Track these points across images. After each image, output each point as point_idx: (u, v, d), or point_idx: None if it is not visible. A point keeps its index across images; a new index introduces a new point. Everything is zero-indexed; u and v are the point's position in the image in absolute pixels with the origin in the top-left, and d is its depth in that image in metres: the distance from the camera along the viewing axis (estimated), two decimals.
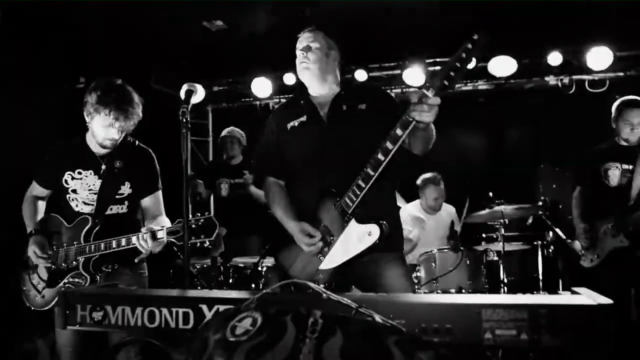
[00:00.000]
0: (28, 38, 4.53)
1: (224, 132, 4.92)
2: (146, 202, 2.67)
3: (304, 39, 2.42)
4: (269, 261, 4.11)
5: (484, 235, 4.63)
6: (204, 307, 1.38)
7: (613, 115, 3.67)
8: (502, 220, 4.04)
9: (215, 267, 3.88)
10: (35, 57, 4.55)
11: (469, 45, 1.84)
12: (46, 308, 2.53)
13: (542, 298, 1.26)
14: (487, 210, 4.15)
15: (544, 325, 1.17)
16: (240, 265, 4.05)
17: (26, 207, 2.69)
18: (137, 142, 2.71)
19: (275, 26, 4.92)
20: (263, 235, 4.44)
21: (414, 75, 5.39)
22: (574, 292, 1.32)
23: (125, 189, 2.62)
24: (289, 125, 2.43)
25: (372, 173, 2.09)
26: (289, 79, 5.70)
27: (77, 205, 2.58)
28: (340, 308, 1.24)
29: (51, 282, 2.54)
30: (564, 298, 1.26)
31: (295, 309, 1.15)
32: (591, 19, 4.64)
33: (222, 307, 1.37)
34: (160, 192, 2.71)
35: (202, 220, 2.24)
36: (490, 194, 4.23)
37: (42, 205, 2.73)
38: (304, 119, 2.41)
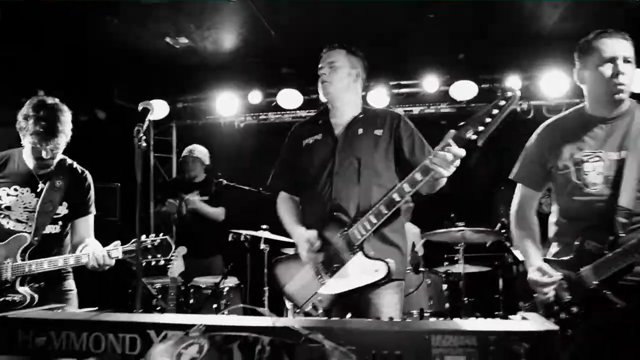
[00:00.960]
0: None
1: (185, 151, 4.82)
2: (78, 223, 2.63)
3: (325, 57, 2.41)
4: (230, 281, 4.06)
5: (445, 256, 4.68)
6: (152, 333, 1.34)
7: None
8: (462, 242, 4.09)
9: (175, 287, 3.79)
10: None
11: (502, 103, 1.85)
12: None
13: (491, 324, 1.27)
14: (446, 230, 4.20)
15: (493, 352, 1.17)
16: (201, 285, 3.97)
17: None
18: (74, 164, 2.69)
19: (240, 44, 4.94)
20: (225, 255, 4.37)
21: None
22: (524, 318, 1.34)
23: (62, 210, 2.57)
24: (304, 142, 2.43)
25: (385, 211, 2.10)
26: (254, 97, 5.70)
27: (8, 223, 2.49)
28: (289, 334, 1.22)
29: None
30: (512, 324, 1.27)
31: (242, 336, 1.13)
32: (550, 46, 4.82)
33: (170, 333, 1.33)
34: (92, 216, 2.68)
35: (157, 240, 2.27)
36: (452, 215, 4.29)
37: None
38: (318, 137, 2.41)
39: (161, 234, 2.30)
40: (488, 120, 1.86)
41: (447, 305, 3.83)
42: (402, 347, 1.20)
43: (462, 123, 1.92)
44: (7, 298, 2.39)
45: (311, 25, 4.40)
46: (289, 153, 2.51)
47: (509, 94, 1.84)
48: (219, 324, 1.30)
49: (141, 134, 1.94)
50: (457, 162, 1.95)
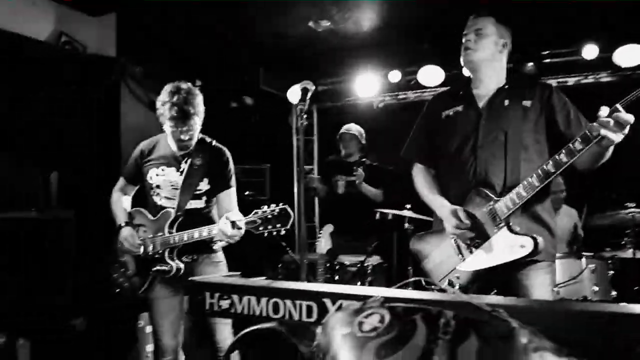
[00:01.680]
0: (145, 43, 4.92)
1: (342, 129, 4.79)
2: (220, 198, 2.77)
3: (472, 24, 2.30)
4: (374, 260, 4.10)
5: (609, 241, 4.24)
6: (328, 301, 1.39)
7: None
8: (632, 226, 3.68)
9: (322, 263, 3.93)
10: (150, 60, 4.92)
11: None
12: (137, 294, 2.73)
13: None
14: (611, 214, 3.81)
15: None
16: (346, 263, 4.07)
17: (114, 202, 2.88)
18: (213, 142, 2.84)
19: (380, 25, 4.90)
20: (370, 234, 4.39)
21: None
22: None
23: (204, 185, 2.74)
24: (444, 114, 2.35)
25: (537, 184, 1.97)
26: (393, 76, 5.63)
27: (160, 200, 2.74)
28: (471, 310, 1.18)
29: (140, 270, 2.73)
30: None
31: (424, 309, 1.12)
32: None
33: (345, 302, 1.36)
34: (233, 189, 2.80)
35: (277, 210, 2.29)
36: (614, 195, 3.89)
37: (128, 200, 2.92)
38: (459, 108, 2.31)
39: (281, 204, 2.32)
40: None
41: (613, 293, 3.48)
42: (600, 332, 1.10)
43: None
44: (158, 267, 2.65)
45: None
46: (426, 124, 2.43)
47: None
48: (396, 295, 1.30)
49: (304, 113, 2.00)
50: (626, 130, 1.76)
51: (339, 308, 1.35)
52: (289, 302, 1.45)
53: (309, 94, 2.12)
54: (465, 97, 2.32)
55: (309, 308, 1.41)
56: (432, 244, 2.31)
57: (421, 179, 2.43)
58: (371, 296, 1.30)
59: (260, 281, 1.64)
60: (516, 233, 2.03)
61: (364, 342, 1.09)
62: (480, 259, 2.11)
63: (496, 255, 2.06)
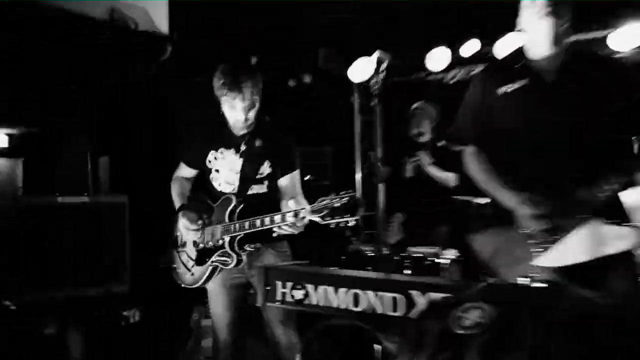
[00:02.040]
0: (199, 20, 5.00)
1: (414, 106, 4.72)
2: (283, 181, 2.75)
3: None
4: (450, 253, 3.99)
5: None
6: (416, 293, 1.36)
7: None
8: None
9: (389, 256, 3.88)
10: (204, 37, 5.00)
11: None
12: (195, 285, 2.76)
13: None
14: None
15: None
16: (417, 255, 3.99)
17: (174, 187, 2.92)
18: (273, 123, 2.83)
19: None
20: (447, 223, 4.30)
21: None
22: None
23: (265, 169, 2.73)
24: (501, 91, 2.26)
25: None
26: (467, 49, 5.46)
27: (219, 185, 2.76)
28: (586, 305, 1.12)
29: (199, 260, 2.75)
30: None
31: (533, 304, 1.08)
32: None
33: (435, 295, 1.33)
34: (298, 172, 2.78)
35: (346, 198, 2.21)
36: None
37: (188, 185, 2.96)
38: (519, 84, 2.21)
39: (350, 191, 2.24)
40: None
41: None
42: None
43: None
44: (218, 257, 2.67)
45: None
46: (479, 102, 2.33)
47: None
48: (496, 289, 1.25)
49: (378, 85, 1.96)
50: None
51: (430, 301, 1.32)
52: (371, 294, 1.43)
53: (384, 65, 2.06)
54: (525, 71, 2.23)
55: (394, 300, 1.39)
56: (496, 239, 2.22)
57: (478, 164, 2.36)
58: (465, 288, 1.26)
59: (337, 270, 1.63)
60: (613, 224, 1.96)
61: (464, 340, 1.06)
62: (566, 254, 2.02)
63: (587, 249, 1.98)
